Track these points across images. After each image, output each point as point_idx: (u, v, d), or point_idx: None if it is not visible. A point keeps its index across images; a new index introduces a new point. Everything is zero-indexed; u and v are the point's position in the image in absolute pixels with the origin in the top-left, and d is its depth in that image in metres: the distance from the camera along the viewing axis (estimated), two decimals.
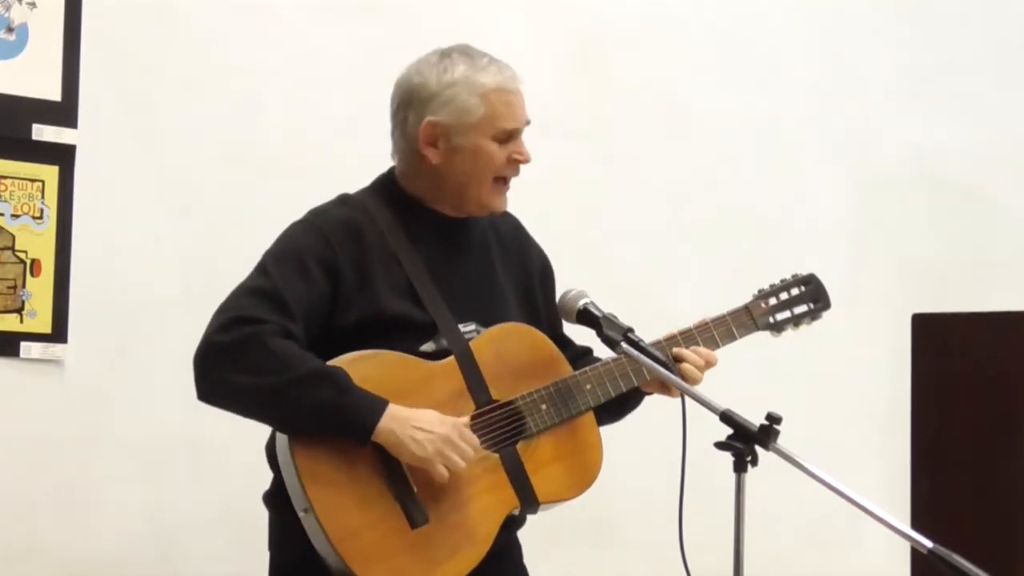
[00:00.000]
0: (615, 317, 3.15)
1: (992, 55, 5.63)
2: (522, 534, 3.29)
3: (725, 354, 3.35)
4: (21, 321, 3.91)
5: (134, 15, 4.10)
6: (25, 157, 3.93)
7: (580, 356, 3.36)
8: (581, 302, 3.19)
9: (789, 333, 3.47)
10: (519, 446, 3.15)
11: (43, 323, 3.94)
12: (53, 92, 3.97)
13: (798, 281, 3.48)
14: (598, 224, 4.79)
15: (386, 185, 3.29)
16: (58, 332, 3.95)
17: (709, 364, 3.29)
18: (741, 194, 5.10)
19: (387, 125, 3.34)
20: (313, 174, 4.24)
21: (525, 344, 3.22)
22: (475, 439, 3.08)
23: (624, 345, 3.10)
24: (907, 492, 3.76)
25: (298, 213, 3.28)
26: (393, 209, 3.24)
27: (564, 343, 3.34)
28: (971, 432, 3.69)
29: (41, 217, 3.95)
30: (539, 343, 3.24)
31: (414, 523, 3.02)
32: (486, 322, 3.21)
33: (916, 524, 3.60)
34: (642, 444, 3.44)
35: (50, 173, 3.96)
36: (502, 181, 3.24)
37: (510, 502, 3.12)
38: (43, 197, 3.95)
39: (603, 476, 3.23)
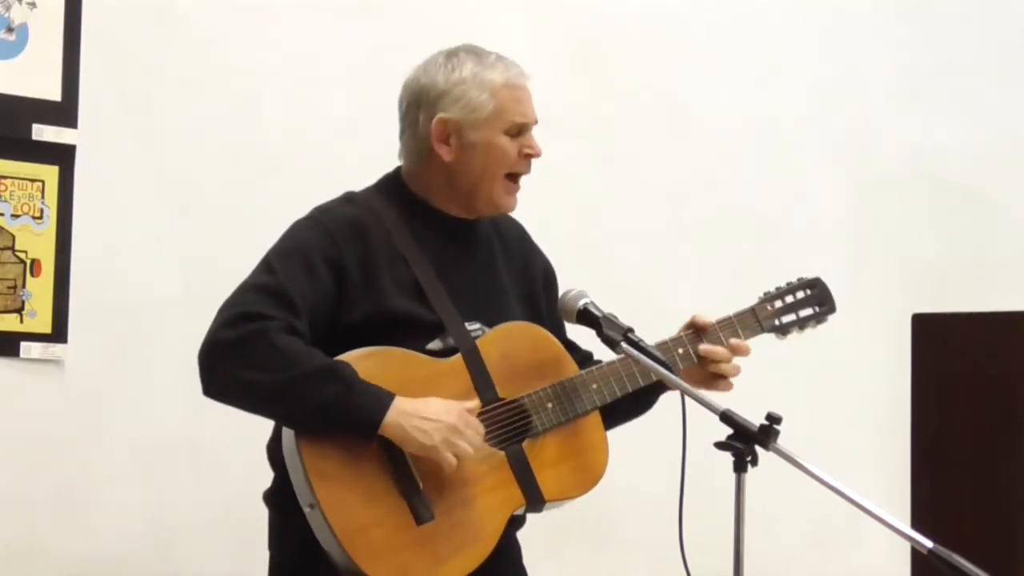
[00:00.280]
0: (615, 317, 3.15)
1: (992, 55, 5.63)
2: (522, 534, 3.29)
3: None
4: (21, 321, 3.91)
5: (134, 15, 4.10)
6: (25, 157, 3.93)
7: (584, 361, 3.35)
8: (581, 302, 3.19)
9: (794, 336, 3.47)
10: (525, 444, 3.16)
11: (43, 323, 3.94)
12: (53, 92, 3.97)
13: (804, 284, 3.48)
14: (598, 224, 4.79)
15: (392, 184, 3.30)
16: (58, 332, 3.95)
17: (740, 355, 3.34)
18: (741, 194, 5.10)
19: (387, 125, 3.34)
20: (313, 174, 4.24)
21: (531, 343, 3.23)
22: (481, 427, 3.08)
23: (624, 345, 3.10)
24: (907, 492, 3.76)
25: (298, 213, 3.28)
26: (399, 208, 3.24)
27: (568, 348, 3.34)
28: (971, 432, 3.69)
29: (41, 217, 3.95)
30: (545, 342, 3.25)
31: (420, 519, 3.02)
32: (490, 322, 3.21)
33: (916, 524, 3.60)
34: (642, 444, 3.44)
35: (50, 173, 3.96)
36: (514, 178, 3.26)
37: (516, 500, 3.12)
38: (43, 197, 3.95)
39: (603, 475, 3.23)
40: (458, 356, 3.15)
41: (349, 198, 3.27)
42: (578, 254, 3.67)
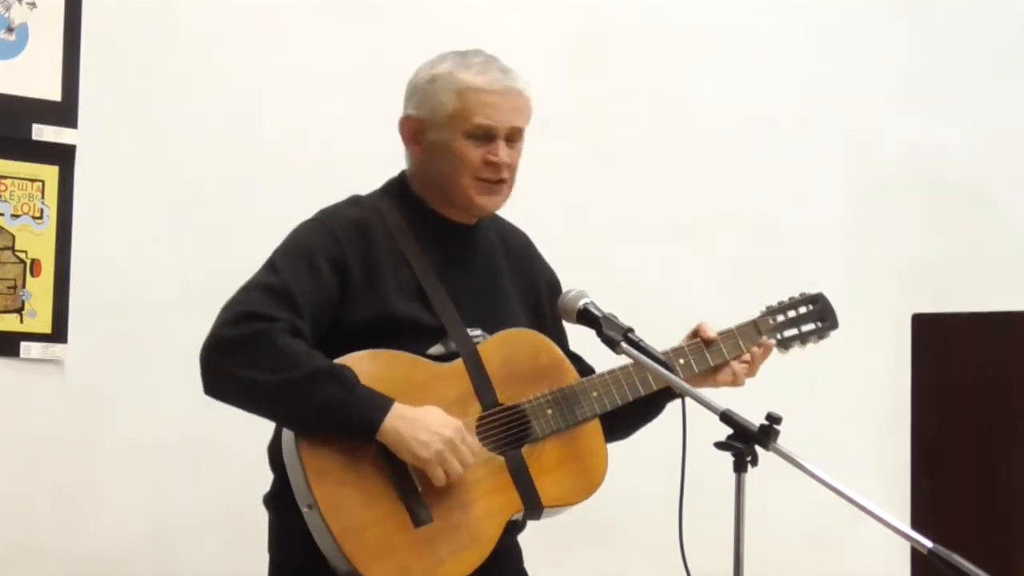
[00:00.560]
0: (615, 317, 3.15)
1: (992, 55, 5.63)
2: (523, 534, 3.29)
3: None
4: (21, 321, 3.91)
5: (134, 15, 4.10)
6: (25, 157, 3.93)
7: (584, 373, 3.33)
8: (581, 302, 3.18)
9: (796, 350, 3.48)
10: (524, 450, 3.15)
11: (43, 323, 3.94)
12: (53, 92, 3.97)
13: (806, 300, 3.49)
14: (597, 224, 4.79)
15: (397, 187, 3.30)
16: (58, 332, 3.95)
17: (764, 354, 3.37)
18: (741, 194, 5.10)
19: (387, 125, 3.35)
20: (313, 174, 4.24)
21: (532, 349, 3.22)
22: (476, 444, 3.08)
23: (624, 345, 3.10)
24: (907, 492, 3.76)
25: (298, 213, 3.28)
26: (403, 211, 3.24)
27: (572, 358, 3.33)
28: (971, 432, 3.69)
29: (41, 217, 3.95)
30: (546, 349, 3.24)
31: (418, 521, 3.02)
32: (492, 328, 3.21)
33: (916, 524, 3.60)
34: (642, 444, 3.44)
35: (50, 173, 3.96)
36: (482, 182, 3.22)
37: (514, 505, 3.12)
38: (43, 197, 3.95)
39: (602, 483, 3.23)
40: (459, 361, 3.15)
41: (354, 201, 3.27)
42: (577, 254, 3.67)
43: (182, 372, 3.43)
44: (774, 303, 3.46)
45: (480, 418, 3.13)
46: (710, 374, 3.35)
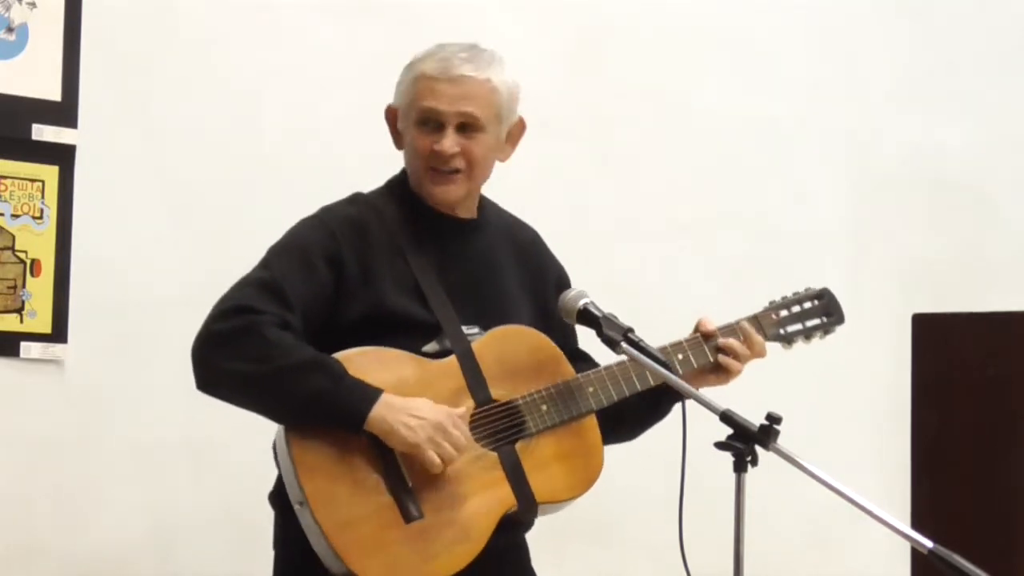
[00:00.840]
0: (615, 317, 3.15)
1: (992, 55, 5.63)
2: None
3: None
4: (21, 321, 3.91)
5: (134, 15, 4.10)
6: (25, 157, 3.93)
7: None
8: (581, 302, 3.18)
9: (800, 346, 3.46)
10: (518, 446, 3.15)
11: (43, 323, 3.94)
12: (53, 92, 3.97)
13: (811, 295, 3.47)
14: (597, 224, 4.79)
15: (398, 184, 3.31)
16: (58, 332, 3.95)
17: (758, 355, 3.32)
18: (741, 194, 5.10)
19: (386, 126, 3.35)
20: (313, 174, 4.24)
21: (527, 346, 3.22)
22: (467, 430, 3.07)
23: (624, 345, 3.09)
24: (907, 492, 3.76)
25: (298, 213, 3.29)
26: (402, 207, 3.25)
27: (581, 357, 3.33)
28: (971, 432, 3.69)
29: (41, 217, 3.95)
30: (542, 345, 3.23)
31: (408, 517, 3.02)
32: (490, 326, 3.21)
33: (916, 524, 3.60)
34: (642, 444, 3.44)
35: (50, 173, 3.96)
36: (434, 171, 3.22)
37: (507, 500, 3.11)
38: (43, 197, 3.95)
39: (603, 475, 3.23)
40: (452, 357, 3.15)
41: (354, 198, 3.28)
42: (577, 254, 3.67)
43: (182, 372, 3.41)
44: (777, 299, 3.45)
45: (473, 414, 3.13)
46: (712, 370, 3.34)
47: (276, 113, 4.29)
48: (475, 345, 3.17)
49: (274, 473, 3.20)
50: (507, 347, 3.19)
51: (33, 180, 3.94)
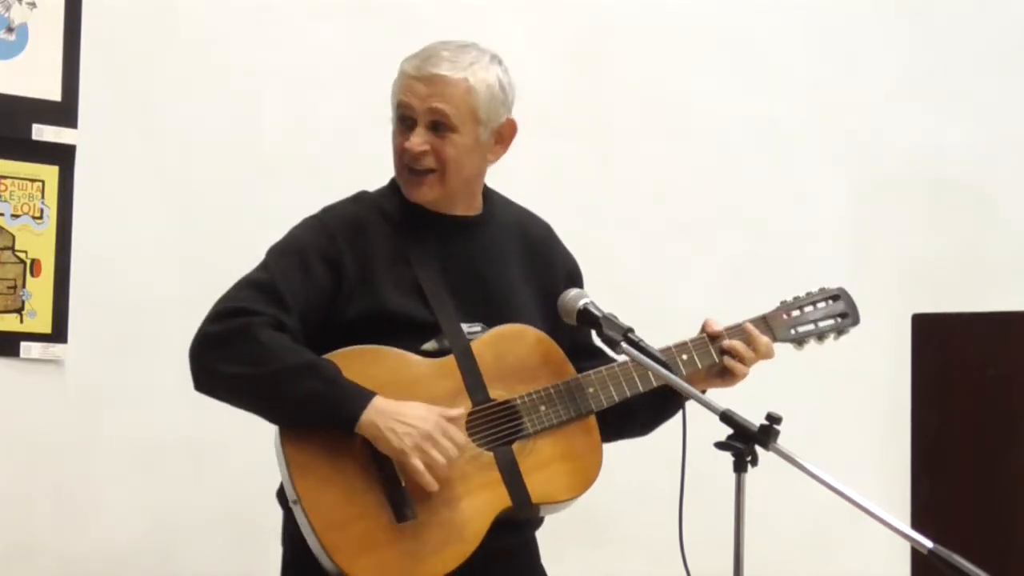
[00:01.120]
0: (615, 317, 3.14)
1: (992, 55, 5.63)
2: None
3: None
4: (21, 321, 3.91)
5: (134, 15, 4.10)
6: (25, 157, 3.93)
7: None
8: (581, 302, 3.17)
9: (812, 346, 3.42)
10: (515, 446, 3.13)
11: (43, 323, 3.94)
12: (53, 92, 3.97)
13: (826, 295, 3.43)
14: (597, 224, 4.78)
15: None
16: (58, 332, 3.95)
17: (763, 356, 3.29)
18: (741, 194, 5.10)
19: (387, 125, 3.35)
20: (313, 174, 4.24)
21: (528, 345, 3.20)
22: (461, 436, 3.06)
23: (624, 345, 3.09)
24: (907, 492, 3.76)
25: (297, 213, 3.28)
26: (404, 206, 3.24)
27: (595, 352, 3.29)
28: (971, 432, 3.69)
29: (41, 217, 3.95)
30: (542, 345, 3.22)
31: (401, 517, 3.01)
32: (493, 324, 3.19)
33: (916, 524, 3.60)
34: (642, 443, 3.44)
35: (50, 173, 3.97)
36: (409, 171, 3.21)
37: (502, 500, 3.09)
38: (43, 197, 3.95)
39: (603, 475, 3.21)
40: (450, 356, 3.14)
41: (357, 197, 3.27)
42: (577, 254, 3.66)
43: (182, 372, 3.41)
44: (789, 298, 3.41)
45: (470, 414, 3.12)
46: (717, 373, 3.31)
47: (276, 113, 4.29)
48: (475, 344, 3.16)
49: (274, 472, 3.21)
50: (507, 346, 3.18)
51: (33, 180, 3.94)
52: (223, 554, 4.11)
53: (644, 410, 3.29)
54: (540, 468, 3.13)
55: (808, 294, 3.43)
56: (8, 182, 3.91)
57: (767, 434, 2.83)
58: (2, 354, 3.89)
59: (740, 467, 2.85)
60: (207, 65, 4.20)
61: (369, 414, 3.00)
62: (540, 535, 3.33)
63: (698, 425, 3.11)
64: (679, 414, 3.23)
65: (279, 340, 3.04)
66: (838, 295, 3.45)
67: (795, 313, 3.39)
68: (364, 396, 3.01)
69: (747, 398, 3.17)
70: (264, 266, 3.15)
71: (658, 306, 4.57)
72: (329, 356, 3.06)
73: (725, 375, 3.30)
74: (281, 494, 3.17)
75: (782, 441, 2.84)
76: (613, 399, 3.21)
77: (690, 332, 3.36)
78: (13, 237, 3.91)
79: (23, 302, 3.92)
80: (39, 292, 3.94)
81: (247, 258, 3.20)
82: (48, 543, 3.92)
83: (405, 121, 3.20)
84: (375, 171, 3.37)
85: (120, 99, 4.07)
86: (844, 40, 5.35)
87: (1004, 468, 3.63)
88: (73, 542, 3.95)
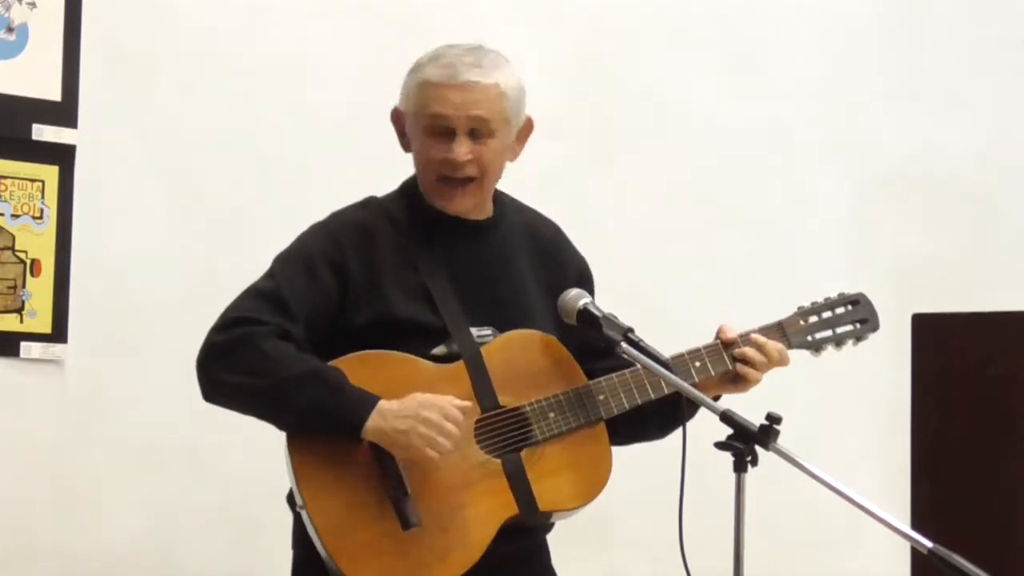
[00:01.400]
0: (615, 317, 3.13)
1: (991, 56, 5.62)
2: None
3: None
4: (21, 321, 3.91)
5: (134, 15, 4.10)
6: (25, 157, 3.93)
7: (617, 368, 3.23)
8: (581, 302, 3.16)
9: (830, 352, 3.37)
10: (523, 453, 3.11)
11: (43, 323, 3.94)
12: (53, 92, 3.97)
13: (845, 300, 3.37)
14: (597, 224, 4.78)
15: (411, 186, 3.27)
16: (58, 332, 3.95)
17: (777, 363, 3.26)
18: (741, 194, 5.10)
19: (387, 125, 3.34)
20: (313, 174, 4.24)
21: (538, 351, 3.18)
22: (460, 417, 3.02)
23: (624, 345, 3.08)
24: (907, 492, 3.76)
25: (297, 213, 3.29)
26: (414, 211, 3.22)
27: (605, 353, 3.21)
28: (971, 432, 3.69)
29: (41, 217, 3.95)
30: (553, 350, 3.19)
31: (406, 524, 3.00)
32: (504, 327, 3.17)
33: (916, 524, 3.60)
34: (642, 443, 3.44)
35: (50, 173, 3.96)
36: (444, 180, 3.17)
37: (508, 508, 3.08)
38: (43, 197, 3.95)
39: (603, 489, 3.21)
40: (459, 362, 3.12)
41: (365, 203, 3.25)
42: (578, 252, 3.67)
43: (182, 372, 3.40)
44: (807, 304, 3.36)
45: (479, 420, 3.10)
46: (731, 379, 3.26)
47: (276, 113, 4.29)
48: (484, 349, 3.14)
49: (274, 472, 3.20)
50: (517, 352, 3.16)
51: (33, 180, 3.94)
52: (223, 554, 4.11)
53: (658, 415, 3.25)
54: (548, 476, 3.12)
55: (827, 299, 3.37)
56: (8, 182, 3.91)
57: (767, 434, 2.82)
58: (2, 354, 3.89)
59: (740, 467, 2.84)
60: (207, 65, 4.20)
61: (374, 419, 2.99)
62: None
63: (698, 425, 3.11)
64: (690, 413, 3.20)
65: (283, 349, 3.03)
66: (858, 300, 3.38)
67: (812, 319, 3.34)
68: (368, 402, 3.01)
69: (747, 398, 3.17)
70: (270, 274, 3.14)
71: (658, 307, 4.57)
72: (336, 362, 3.05)
73: (738, 381, 3.27)
74: (291, 497, 3.16)
75: (782, 441, 2.84)
76: (624, 406, 3.18)
77: (690, 332, 3.36)
78: (13, 237, 3.91)
79: (23, 302, 3.92)
80: (39, 292, 3.94)
81: (247, 258, 3.21)
82: (48, 543, 3.92)
83: (438, 131, 3.15)
84: (375, 171, 3.37)
85: (120, 99, 4.07)
86: (844, 40, 5.35)
87: (1004, 468, 3.63)
88: (73, 542, 3.95)
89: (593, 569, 4.62)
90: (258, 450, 3.22)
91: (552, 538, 3.29)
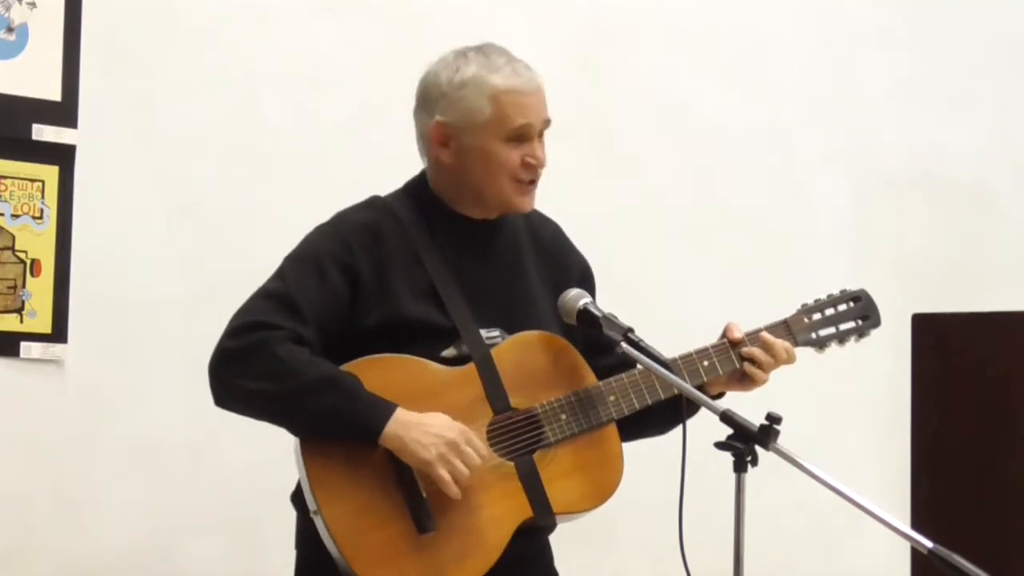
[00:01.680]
0: (615, 317, 3.14)
1: (992, 55, 5.63)
2: None
3: None
4: (21, 321, 3.91)
5: (134, 15, 4.10)
6: (25, 157, 3.93)
7: (621, 366, 3.23)
8: (581, 302, 3.16)
9: (833, 349, 3.38)
10: (536, 455, 3.11)
11: (43, 323, 3.94)
12: (53, 92, 3.97)
13: (847, 297, 3.38)
14: (597, 224, 4.77)
15: (416, 187, 3.27)
16: (58, 332, 3.95)
17: (784, 362, 3.27)
18: (741, 194, 5.10)
19: (386, 125, 3.35)
20: (313, 174, 4.24)
21: (548, 352, 3.18)
22: (483, 447, 3.05)
23: (624, 345, 3.08)
24: (907, 492, 3.76)
25: (297, 213, 3.29)
26: (420, 211, 3.21)
27: (609, 349, 3.22)
28: (971, 432, 3.69)
29: (41, 217, 3.95)
30: (562, 351, 3.19)
31: (422, 528, 2.99)
32: (512, 328, 3.17)
33: (916, 524, 3.60)
34: (642, 443, 3.43)
35: (50, 173, 3.96)
36: (520, 183, 3.20)
37: (523, 511, 3.08)
38: (43, 197, 3.95)
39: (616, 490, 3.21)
40: (471, 364, 3.11)
41: (370, 203, 3.24)
42: (579, 250, 3.67)
43: (182, 372, 3.43)
44: (810, 301, 3.36)
45: (491, 423, 3.10)
46: (738, 378, 3.28)
47: (276, 113, 4.29)
48: (495, 351, 3.13)
49: (274, 472, 3.21)
50: (527, 353, 3.16)
51: (33, 180, 3.94)
52: (223, 554, 4.11)
53: (659, 413, 3.25)
54: (561, 478, 3.12)
55: (829, 296, 3.38)
56: (8, 182, 3.91)
57: (767, 434, 2.83)
58: (2, 354, 3.89)
59: (740, 467, 2.85)
60: (207, 65, 4.20)
61: (392, 426, 2.99)
62: None
63: (698, 425, 3.11)
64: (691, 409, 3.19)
65: (298, 354, 3.02)
66: (859, 296, 3.40)
67: (816, 316, 3.35)
68: (386, 408, 3.00)
69: (748, 398, 3.17)
70: (280, 276, 3.12)
71: (658, 307, 4.57)
72: (348, 366, 3.04)
73: (744, 380, 3.28)
74: (295, 497, 3.16)
75: (782, 441, 2.84)
76: (634, 406, 3.18)
77: (690, 332, 3.36)
78: (13, 237, 3.91)
79: (23, 302, 3.92)
80: (39, 292, 3.94)
81: (247, 258, 3.21)
82: (48, 543, 3.92)
83: (521, 137, 3.18)
84: (375, 171, 3.37)
85: (120, 99, 4.07)
86: (844, 40, 5.35)
87: (1004, 468, 3.63)
88: (73, 542, 3.94)
89: (594, 569, 4.62)
90: (258, 450, 3.22)
91: (553, 538, 3.29)
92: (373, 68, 4.36)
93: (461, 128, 3.17)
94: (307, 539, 3.14)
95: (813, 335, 3.35)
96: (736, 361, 3.26)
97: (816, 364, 4.15)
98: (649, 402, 3.19)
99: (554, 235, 3.39)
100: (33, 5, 3.95)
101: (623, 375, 3.19)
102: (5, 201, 3.90)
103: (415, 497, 3.01)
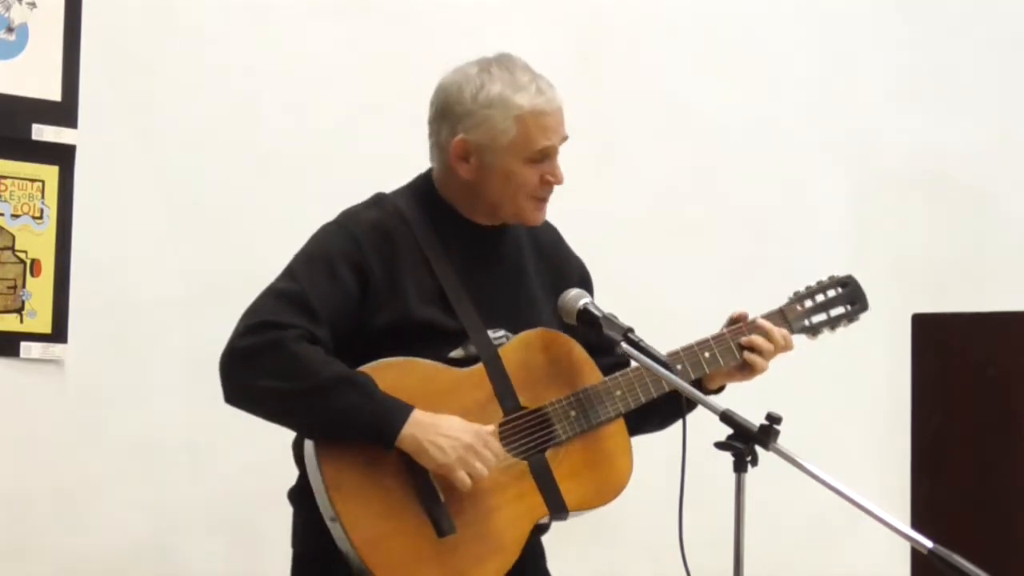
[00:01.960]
0: (615, 317, 3.14)
1: (992, 55, 5.63)
2: None
3: None
4: (21, 321, 3.91)
5: (134, 15, 4.10)
6: (25, 157, 3.93)
7: (621, 365, 3.26)
8: (581, 302, 3.17)
9: (825, 336, 3.42)
10: (548, 453, 3.12)
11: (43, 323, 3.94)
12: (53, 92, 3.97)
13: (835, 283, 3.43)
14: (597, 224, 4.78)
15: (423, 187, 3.26)
16: (58, 332, 3.95)
17: (782, 348, 3.29)
18: (741, 194, 5.10)
19: (386, 125, 3.35)
20: (313, 174, 4.24)
21: (555, 350, 3.19)
22: (499, 447, 3.06)
23: (624, 345, 3.09)
24: (907, 492, 3.76)
25: (297, 213, 3.29)
26: (427, 212, 3.21)
27: (608, 349, 3.24)
28: (971, 432, 3.69)
29: (41, 217, 3.95)
30: (569, 349, 3.20)
31: (441, 531, 2.99)
32: (516, 329, 3.18)
33: (916, 524, 3.60)
34: (642, 443, 3.43)
35: (50, 173, 3.97)
36: (538, 200, 3.21)
37: (538, 510, 3.09)
38: (43, 197, 3.95)
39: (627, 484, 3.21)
40: (479, 365, 3.12)
41: (376, 201, 3.23)
42: (577, 254, 3.67)
43: (182, 372, 3.43)
44: (801, 288, 3.41)
45: (502, 423, 3.10)
46: (738, 368, 3.30)
47: (276, 113, 4.29)
48: (502, 351, 3.14)
49: (274, 472, 3.20)
50: (533, 352, 3.17)
51: (33, 180, 3.94)
52: (223, 554, 4.11)
53: (659, 410, 3.26)
54: (573, 475, 3.13)
55: (818, 283, 3.42)
56: (8, 182, 3.91)
57: (767, 434, 2.83)
58: (2, 354, 3.89)
59: (740, 467, 2.85)
60: (207, 65, 4.20)
61: (409, 428, 2.98)
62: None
63: (698, 425, 3.11)
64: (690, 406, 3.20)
65: (313, 353, 3.01)
66: (847, 282, 3.45)
67: (807, 303, 3.39)
68: (403, 410, 3.00)
69: (747, 398, 3.17)
70: (291, 274, 3.11)
71: (658, 306, 4.57)
72: (360, 369, 3.03)
73: (745, 369, 3.31)
74: (296, 494, 3.16)
75: (782, 441, 2.84)
76: (640, 400, 3.19)
77: (690, 332, 3.36)
78: (13, 237, 3.91)
79: (23, 302, 3.92)
80: (39, 292, 3.94)
81: (247, 258, 3.21)
82: (48, 543, 3.92)
83: (545, 157, 3.19)
84: (375, 171, 3.37)
85: (120, 99, 4.07)
86: (844, 40, 5.35)
87: (1004, 468, 3.64)
88: (73, 542, 3.94)
89: (593, 569, 4.63)
90: (258, 450, 3.22)
91: (552, 538, 3.29)
92: (373, 68, 4.36)
93: (483, 147, 3.16)
94: (303, 537, 3.14)
95: (806, 322, 3.40)
96: (736, 352, 3.28)
97: (816, 364, 4.16)
98: (655, 395, 3.20)
99: (553, 240, 3.40)
100: (33, 5, 3.95)
101: (628, 370, 3.21)
102: (5, 201, 3.90)
103: (433, 500, 3.00)
